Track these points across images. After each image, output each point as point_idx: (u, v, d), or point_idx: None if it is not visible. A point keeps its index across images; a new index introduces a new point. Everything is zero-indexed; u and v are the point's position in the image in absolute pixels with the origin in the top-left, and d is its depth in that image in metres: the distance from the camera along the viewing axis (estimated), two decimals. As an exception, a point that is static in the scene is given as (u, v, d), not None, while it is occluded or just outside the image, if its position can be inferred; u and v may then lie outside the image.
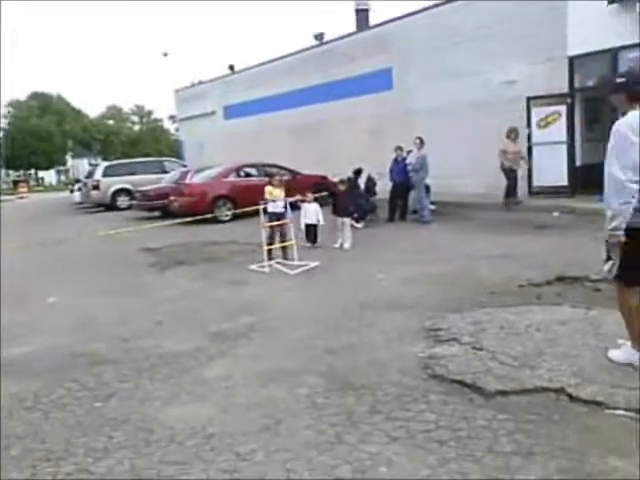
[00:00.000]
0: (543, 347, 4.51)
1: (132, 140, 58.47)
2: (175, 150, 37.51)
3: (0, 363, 5.05)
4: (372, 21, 22.81)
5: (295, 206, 10.23)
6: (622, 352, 4.14)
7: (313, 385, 4.18)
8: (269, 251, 8.95)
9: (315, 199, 10.56)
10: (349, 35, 21.01)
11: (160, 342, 5.44)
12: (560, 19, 13.02)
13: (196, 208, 14.10)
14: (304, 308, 6.34)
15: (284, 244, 9.26)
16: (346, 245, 9.98)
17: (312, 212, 10.20)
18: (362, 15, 23.90)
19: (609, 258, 3.96)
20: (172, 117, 46.52)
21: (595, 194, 12.28)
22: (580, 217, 11.05)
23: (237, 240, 11.44)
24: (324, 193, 13.20)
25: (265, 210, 9.43)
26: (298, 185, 12.58)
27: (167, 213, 15.75)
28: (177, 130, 40.07)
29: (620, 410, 3.48)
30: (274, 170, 16.13)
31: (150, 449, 3.48)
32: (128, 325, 6.12)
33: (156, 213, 17.02)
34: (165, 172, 21.05)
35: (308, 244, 10.12)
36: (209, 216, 13.76)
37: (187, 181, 16.83)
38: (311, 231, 10.24)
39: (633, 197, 3.69)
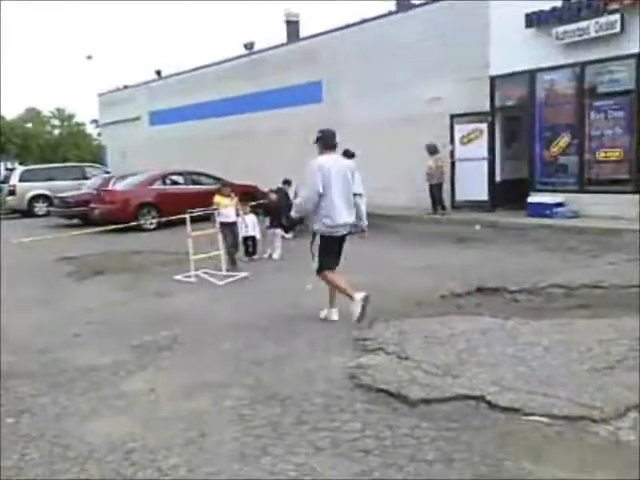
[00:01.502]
0: (465, 356, 4.65)
1: (52, 144, 55.94)
2: (97, 156, 36.28)
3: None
4: (302, 33, 23.04)
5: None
6: (330, 312, 5.97)
7: (239, 397, 4.12)
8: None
9: (257, 206, 10.41)
10: (279, 46, 21.10)
11: (78, 355, 5.22)
12: (483, 40, 13.58)
13: (118, 216, 13.66)
14: (231, 319, 6.25)
15: (215, 253, 9.10)
16: (275, 256, 9.91)
17: (250, 224, 9.88)
18: (292, 27, 24.09)
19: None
20: (95, 121, 44.95)
21: (514, 209, 12.93)
22: (499, 231, 11.53)
23: (162, 249, 11.16)
24: (253, 203, 13.13)
25: (193, 218, 9.19)
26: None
27: (87, 221, 15.19)
28: (100, 135, 38.77)
29: (536, 416, 3.62)
30: (202, 178, 15.94)
31: (66, 465, 3.32)
32: (44, 337, 5.84)
33: (75, 221, 16.38)
34: (86, 178, 20.35)
35: (245, 258, 9.72)
36: (132, 224, 13.38)
37: (109, 188, 16.32)
38: (249, 244, 9.91)
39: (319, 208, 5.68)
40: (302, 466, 3.19)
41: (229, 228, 9.18)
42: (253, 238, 9.94)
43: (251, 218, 10.03)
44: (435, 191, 14.04)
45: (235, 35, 66.38)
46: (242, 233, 9.83)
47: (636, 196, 11.30)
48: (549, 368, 4.32)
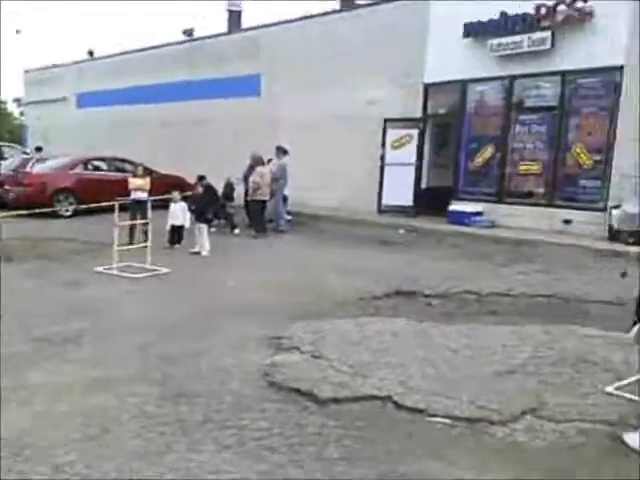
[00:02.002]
0: (377, 356, 4.75)
1: (-32, 120, 52.80)
2: (17, 135, 34.52)
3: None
4: (244, 24, 22.74)
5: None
6: None
7: (145, 394, 4.03)
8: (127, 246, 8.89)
9: (184, 198, 10.39)
10: (220, 35, 20.72)
11: (-25, 344, 4.94)
12: (421, 47, 13.80)
13: (34, 200, 13.04)
14: (146, 313, 6.10)
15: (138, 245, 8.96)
16: (204, 253, 9.64)
17: (179, 211, 9.99)
18: (234, 16, 23.71)
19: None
20: (17, 100, 42.77)
21: (437, 215, 13.29)
22: (422, 236, 11.82)
23: (77, 238, 10.73)
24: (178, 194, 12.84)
25: (122, 206, 9.16)
26: (153, 184, 12.02)
27: (1, 204, 14.40)
28: (22, 114, 36.91)
29: (439, 417, 3.75)
30: (127, 165, 15.44)
31: (-48, 462, 3.14)
32: (-59, 324, 5.48)
33: (-12, 203, 15.50)
34: (2, 158, 19.29)
35: (168, 245, 9.92)
36: (48, 210, 12.77)
37: (26, 170, 15.54)
38: (175, 232, 10.03)
39: None
40: (205, 464, 3.16)
41: (139, 205, 9.82)
42: (181, 227, 10.05)
43: (180, 206, 10.08)
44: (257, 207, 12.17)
45: (174, 20, 64.72)
46: (169, 222, 9.99)
47: (549, 209, 11.86)
48: (455, 370, 4.48)
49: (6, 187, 14.44)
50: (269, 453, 3.30)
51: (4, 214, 11.44)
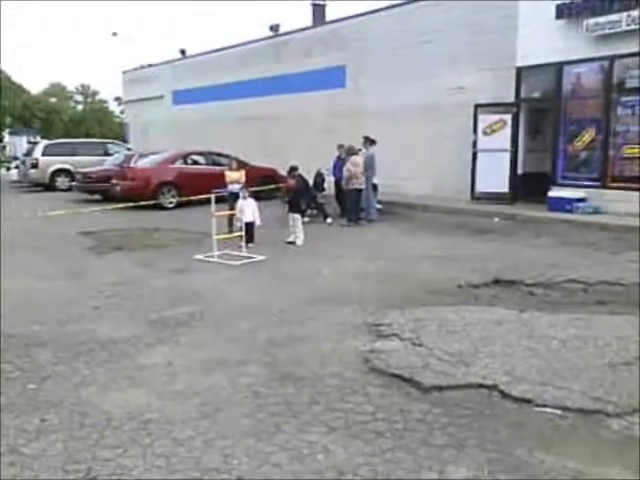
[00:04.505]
0: (478, 345, 4.66)
1: (75, 120, 56.37)
2: (119, 133, 36.49)
3: None
4: (328, 17, 22.87)
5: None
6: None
7: (254, 375, 4.19)
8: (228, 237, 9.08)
9: (253, 195, 10.22)
10: (305, 29, 20.96)
11: (97, 327, 5.32)
12: (510, 30, 13.39)
13: (139, 193, 13.76)
14: (248, 299, 6.31)
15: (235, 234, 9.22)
16: (298, 242, 9.72)
17: (249, 209, 9.54)
18: (318, 10, 23.89)
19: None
20: (118, 99, 45.20)
21: (535, 202, 12.82)
22: (519, 224, 11.44)
23: (180, 228, 11.26)
24: (272, 186, 13.16)
25: (217, 198, 9.43)
26: (247, 176, 12.42)
27: (108, 197, 15.32)
28: (122, 112, 38.99)
29: (548, 408, 3.64)
30: (222, 159, 15.98)
31: (85, 432, 3.41)
32: (65, 308, 5.95)
33: (97, 196, 16.54)
34: (108, 154, 20.45)
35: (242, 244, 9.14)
36: (152, 202, 13.47)
37: (131, 165, 16.43)
38: (248, 230, 9.33)
39: None
40: (315, 444, 3.25)
41: (236, 197, 10.12)
42: (252, 224, 9.49)
43: (249, 203, 9.59)
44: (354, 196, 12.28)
45: (260, 16, 66.00)
46: (242, 219, 9.39)
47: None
48: (564, 361, 4.32)
49: (113, 181, 15.33)
50: (375, 437, 3.34)
51: (112, 206, 12.20)
